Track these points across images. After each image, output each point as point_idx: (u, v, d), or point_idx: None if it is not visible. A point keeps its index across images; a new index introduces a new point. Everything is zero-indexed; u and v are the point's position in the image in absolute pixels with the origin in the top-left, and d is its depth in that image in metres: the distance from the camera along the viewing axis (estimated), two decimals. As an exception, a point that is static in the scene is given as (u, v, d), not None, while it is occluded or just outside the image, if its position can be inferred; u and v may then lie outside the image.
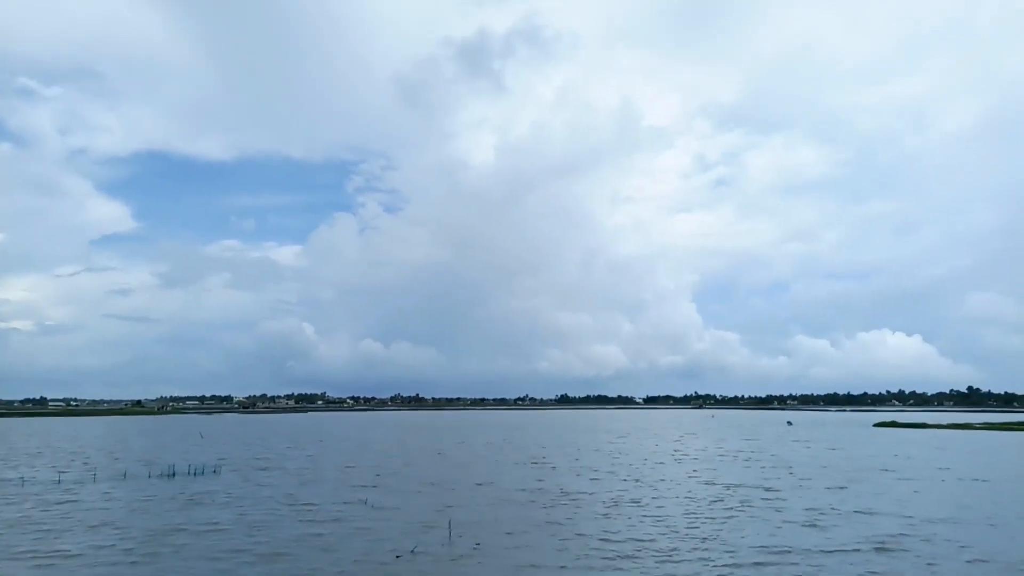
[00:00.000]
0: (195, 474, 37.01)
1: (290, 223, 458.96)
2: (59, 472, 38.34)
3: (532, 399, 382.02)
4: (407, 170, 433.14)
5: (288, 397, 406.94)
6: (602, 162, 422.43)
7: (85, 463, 43.98)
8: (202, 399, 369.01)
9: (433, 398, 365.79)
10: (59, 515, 24.29)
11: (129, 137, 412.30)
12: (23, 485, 32.92)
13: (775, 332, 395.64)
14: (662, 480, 33.73)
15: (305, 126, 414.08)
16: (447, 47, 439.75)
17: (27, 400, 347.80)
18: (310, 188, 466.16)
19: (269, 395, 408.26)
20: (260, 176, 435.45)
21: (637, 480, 33.74)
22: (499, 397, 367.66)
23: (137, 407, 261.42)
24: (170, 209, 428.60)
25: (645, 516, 23.45)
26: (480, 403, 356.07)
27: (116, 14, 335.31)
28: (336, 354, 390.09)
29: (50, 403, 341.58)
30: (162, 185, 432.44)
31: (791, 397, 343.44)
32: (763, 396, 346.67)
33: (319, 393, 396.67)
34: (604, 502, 26.53)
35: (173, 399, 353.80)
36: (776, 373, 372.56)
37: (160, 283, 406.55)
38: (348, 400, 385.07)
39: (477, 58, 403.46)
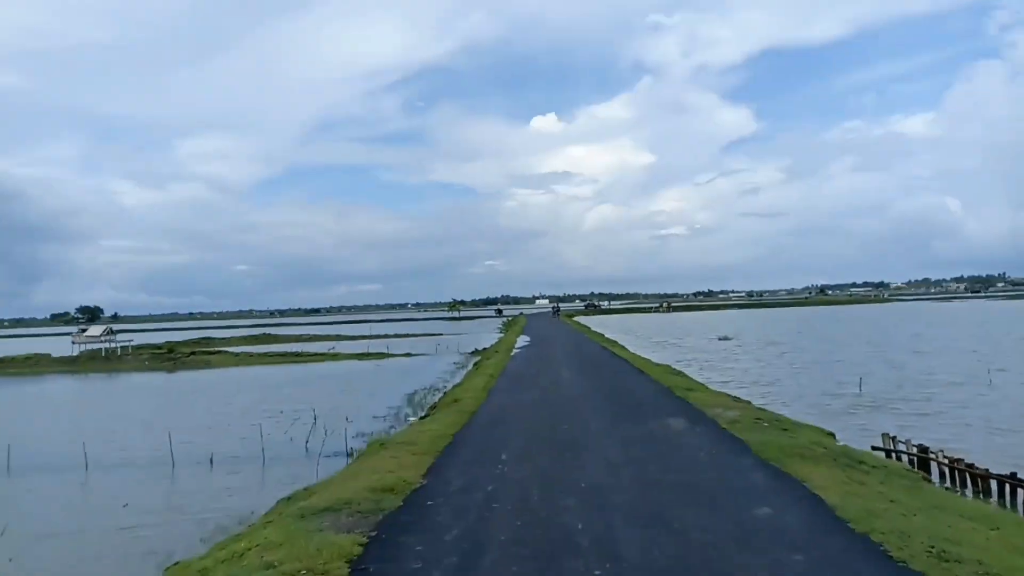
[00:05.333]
0: None
1: (917, 89, 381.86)
2: None
3: None
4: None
5: (957, 280, 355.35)
6: None
7: None
8: (852, 285, 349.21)
9: None
10: None
11: (743, 42, 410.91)
12: None
13: None
14: None
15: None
16: None
17: (699, 293, 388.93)
18: (938, 42, 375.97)
19: (933, 279, 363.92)
20: (879, 44, 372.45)
21: None
22: None
23: (822, 295, 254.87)
24: (788, 103, 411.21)
25: None
26: None
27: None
28: (991, 229, 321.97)
29: (719, 295, 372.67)
30: (778, 81, 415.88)
31: None
32: None
33: (998, 274, 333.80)
34: None
35: (824, 287, 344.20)
36: None
37: (786, 177, 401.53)
38: None
39: None
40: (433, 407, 19.19)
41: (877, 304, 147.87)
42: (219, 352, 51.80)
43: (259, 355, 49.82)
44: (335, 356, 48.95)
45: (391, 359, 46.36)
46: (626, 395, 15.71)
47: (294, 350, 52.83)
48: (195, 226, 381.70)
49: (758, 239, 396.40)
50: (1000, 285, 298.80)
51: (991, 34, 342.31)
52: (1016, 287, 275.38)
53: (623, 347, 35.80)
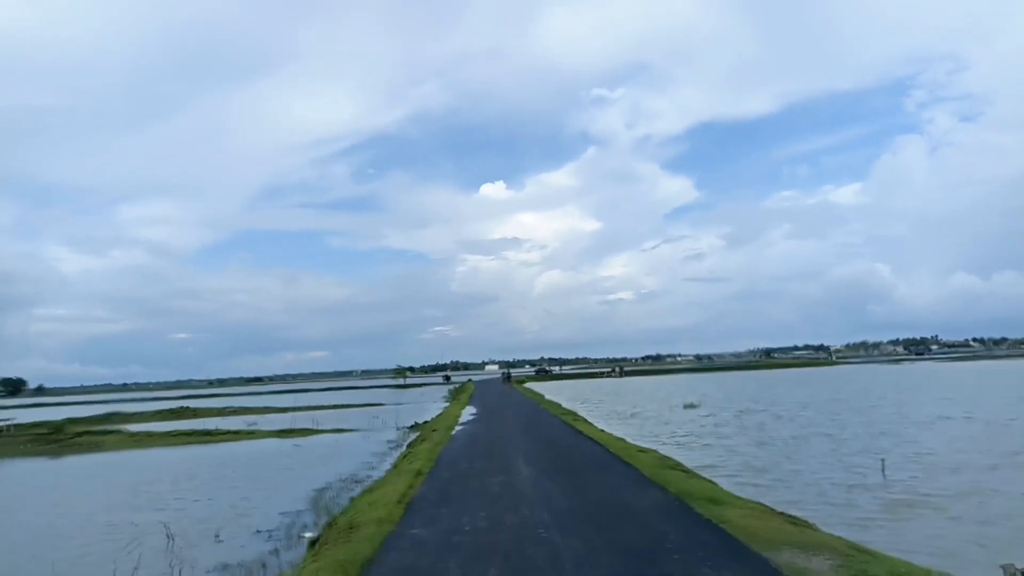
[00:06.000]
0: None
1: (846, 161, 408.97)
2: None
3: None
4: (984, 66, 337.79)
5: (893, 343, 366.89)
6: None
7: None
8: (794, 348, 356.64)
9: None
10: None
11: (681, 116, 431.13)
12: None
13: None
14: None
15: (852, 53, 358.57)
16: None
17: (647, 356, 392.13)
18: (863, 119, 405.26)
19: (870, 341, 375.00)
20: (808, 119, 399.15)
21: None
22: None
23: (769, 358, 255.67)
24: (726, 173, 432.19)
25: None
26: None
27: (657, 8, 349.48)
28: (921, 293, 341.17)
29: (667, 358, 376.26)
30: (716, 152, 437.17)
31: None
32: None
33: (931, 336, 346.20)
34: None
35: (769, 350, 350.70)
36: None
37: (727, 244, 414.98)
38: (972, 342, 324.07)
39: None
40: (331, 524, 13.07)
41: (826, 367, 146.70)
42: (114, 432, 43.75)
43: (161, 434, 42.10)
44: (252, 434, 41.70)
45: (317, 436, 39.51)
46: (625, 516, 9.96)
47: (207, 427, 45.15)
48: (135, 293, 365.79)
49: (703, 303, 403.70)
50: (935, 348, 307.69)
51: (910, 111, 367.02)
52: (952, 348, 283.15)
53: (586, 421, 30.15)
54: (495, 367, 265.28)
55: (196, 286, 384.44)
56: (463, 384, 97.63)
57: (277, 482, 23.26)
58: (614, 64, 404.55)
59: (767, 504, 12.01)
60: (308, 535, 15.27)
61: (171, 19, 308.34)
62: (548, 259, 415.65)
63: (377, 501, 11.92)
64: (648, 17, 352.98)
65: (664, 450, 22.55)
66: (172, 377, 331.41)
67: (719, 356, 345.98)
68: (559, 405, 41.85)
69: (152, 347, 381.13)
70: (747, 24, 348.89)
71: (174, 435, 41.95)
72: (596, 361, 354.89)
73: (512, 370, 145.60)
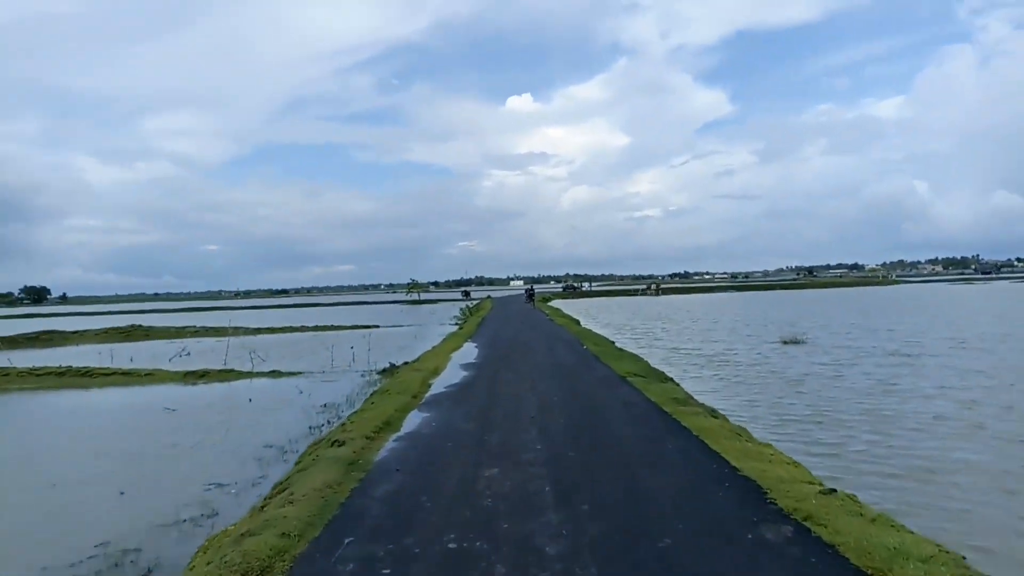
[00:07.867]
0: None
1: (888, 72, 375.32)
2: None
3: None
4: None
5: (932, 262, 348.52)
6: None
7: None
8: (827, 267, 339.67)
9: None
10: None
11: (718, 24, 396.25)
12: None
13: None
14: None
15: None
16: None
17: (675, 274, 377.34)
18: (909, 25, 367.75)
19: (907, 260, 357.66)
20: (850, 25, 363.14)
21: None
22: None
23: (810, 277, 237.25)
24: (761, 85, 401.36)
25: None
26: None
27: None
28: (962, 212, 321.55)
29: (694, 276, 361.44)
30: (752, 63, 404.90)
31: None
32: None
33: (971, 256, 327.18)
34: None
35: (810, 268, 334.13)
36: None
37: (759, 160, 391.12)
38: (1016, 262, 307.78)
39: None
40: None
41: (886, 286, 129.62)
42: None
43: (19, 374, 28.20)
44: (149, 375, 27.55)
45: (232, 383, 25.19)
46: None
47: (82, 365, 31.03)
48: (163, 205, 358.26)
49: (732, 221, 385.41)
50: (973, 268, 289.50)
51: (961, 18, 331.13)
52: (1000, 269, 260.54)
53: (665, 378, 14.90)
54: (520, 283, 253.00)
55: (222, 199, 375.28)
56: (479, 302, 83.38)
57: (53, 509, 8.61)
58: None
59: None
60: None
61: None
62: (575, 174, 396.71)
63: None
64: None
65: (878, 500, 7.44)
66: (203, 288, 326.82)
67: (749, 274, 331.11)
68: (611, 344, 26.60)
69: (183, 258, 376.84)
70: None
71: (38, 374, 28.05)
72: (622, 278, 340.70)
73: (537, 286, 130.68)
